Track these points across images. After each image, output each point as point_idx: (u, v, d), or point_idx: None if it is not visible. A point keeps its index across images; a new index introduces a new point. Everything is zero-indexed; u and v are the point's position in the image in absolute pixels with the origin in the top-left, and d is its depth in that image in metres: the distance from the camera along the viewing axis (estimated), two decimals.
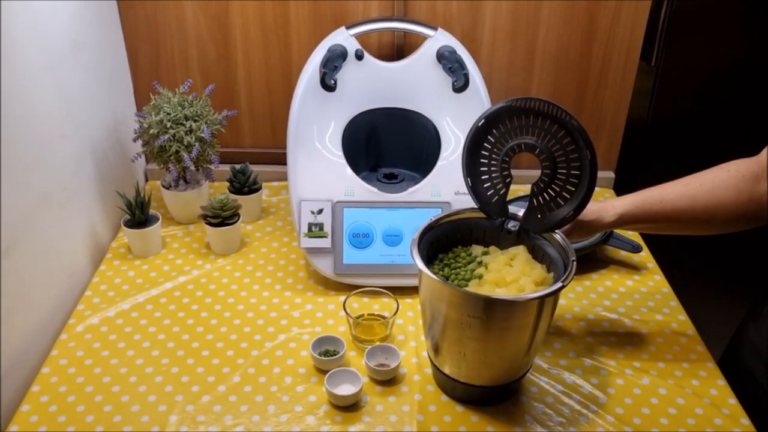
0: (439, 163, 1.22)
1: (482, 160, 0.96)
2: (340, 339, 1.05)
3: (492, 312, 0.87)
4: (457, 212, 1.02)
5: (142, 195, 1.26)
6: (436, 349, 0.97)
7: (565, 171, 0.91)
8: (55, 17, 1.12)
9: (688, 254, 1.61)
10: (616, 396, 1.00)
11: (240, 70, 1.44)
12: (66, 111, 1.16)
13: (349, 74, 1.23)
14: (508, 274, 0.93)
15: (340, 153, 1.22)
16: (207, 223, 1.27)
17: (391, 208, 1.20)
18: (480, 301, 0.87)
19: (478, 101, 1.24)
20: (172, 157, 1.27)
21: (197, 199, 1.35)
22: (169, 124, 1.25)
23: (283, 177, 1.49)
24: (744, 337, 1.11)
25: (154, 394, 0.99)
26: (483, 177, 0.97)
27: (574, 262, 0.90)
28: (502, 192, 0.97)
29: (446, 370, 0.97)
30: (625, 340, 1.11)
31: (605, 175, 1.54)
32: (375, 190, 1.20)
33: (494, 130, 0.94)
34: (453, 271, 0.97)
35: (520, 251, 0.97)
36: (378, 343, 1.05)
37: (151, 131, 1.26)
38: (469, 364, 0.94)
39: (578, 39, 1.41)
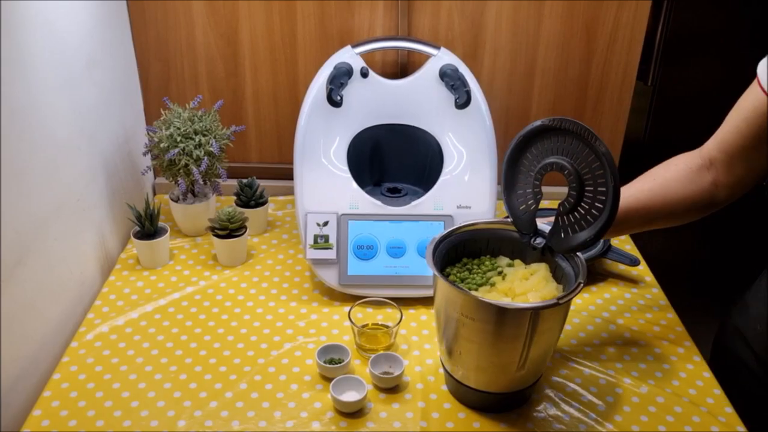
0: (442, 178, 1.25)
1: (519, 176, 0.98)
2: (345, 347, 1.07)
3: (481, 314, 0.90)
4: (492, 222, 1.06)
5: (151, 207, 1.30)
6: (449, 352, 1.00)
7: (591, 195, 0.91)
8: (72, 36, 1.16)
9: (684, 268, 1.64)
10: (615, 404, 1.02)
11: (248, 87, 1.48)
12: (80, 125, 1.19)
13: (354, 91, 1.27)
14: (519, 286, 0.96)
15: (345, 167, 1.25)
16: (215, 235, 1.30)
17: (395, 221, 1.23)
18: (470, 301, 0.90)
19: (479, 118, 1.27)
20: (181, 171, 1.31)
21: (205, 212, 1.39)
22: (179, 138, 1.29)
23: (289, 191, 1.52)
24: (729, 327, 1.14)
25: (163, 399, 1.01)
26: (518, 191, 0.99)
27: (581, 285, 0.91)
28: (532, 208, 0.98)
29: (448, 367, 1.01)
30: (623, 350, 1.13)
31: None
32: (379, 203, 1.23)
33: (532, 148, 0.96)
34: (471, 275, 1.00)
35: (540, 268, 0.99)
36: (382, 352, 1.08)
37: (162, 145, 1.29)
38: (465, 364, 0.97)
39: (576, 59, 1.45)
